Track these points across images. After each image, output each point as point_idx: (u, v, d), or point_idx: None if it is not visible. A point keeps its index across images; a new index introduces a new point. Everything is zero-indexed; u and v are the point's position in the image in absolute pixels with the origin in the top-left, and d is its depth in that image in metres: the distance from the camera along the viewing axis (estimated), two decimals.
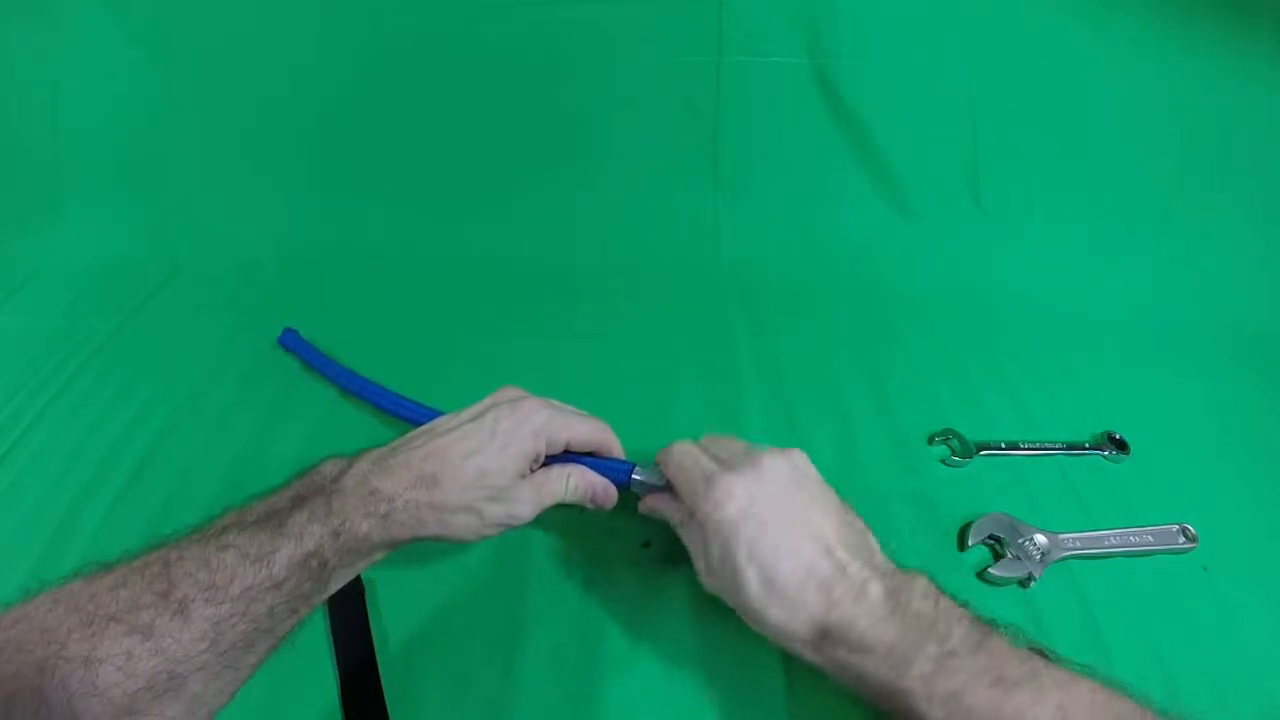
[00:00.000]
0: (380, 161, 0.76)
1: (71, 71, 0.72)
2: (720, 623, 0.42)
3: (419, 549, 0.45)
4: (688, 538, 0.39)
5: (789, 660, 0.40)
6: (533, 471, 0.40)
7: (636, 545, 0.46)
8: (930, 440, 0.54)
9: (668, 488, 0.40)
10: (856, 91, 0.69)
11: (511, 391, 0.42)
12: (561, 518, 0.48)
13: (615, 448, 0.43)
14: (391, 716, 0.38)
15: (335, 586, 0.36)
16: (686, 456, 0.39)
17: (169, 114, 0.74)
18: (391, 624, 0.42)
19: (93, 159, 0.76)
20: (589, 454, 0.42)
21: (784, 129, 0.72)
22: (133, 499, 0.50)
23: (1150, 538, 0.47)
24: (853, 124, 0.71)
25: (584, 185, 0.76)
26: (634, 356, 0.61)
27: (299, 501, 0.35)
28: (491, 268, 0.72)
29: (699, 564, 0.37)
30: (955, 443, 0.53)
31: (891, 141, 0.71)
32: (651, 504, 0.42)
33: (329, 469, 0.38)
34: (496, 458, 0.37)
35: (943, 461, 0.53)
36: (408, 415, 0.51)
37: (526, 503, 0.39)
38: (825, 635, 0.33)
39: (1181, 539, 0.47)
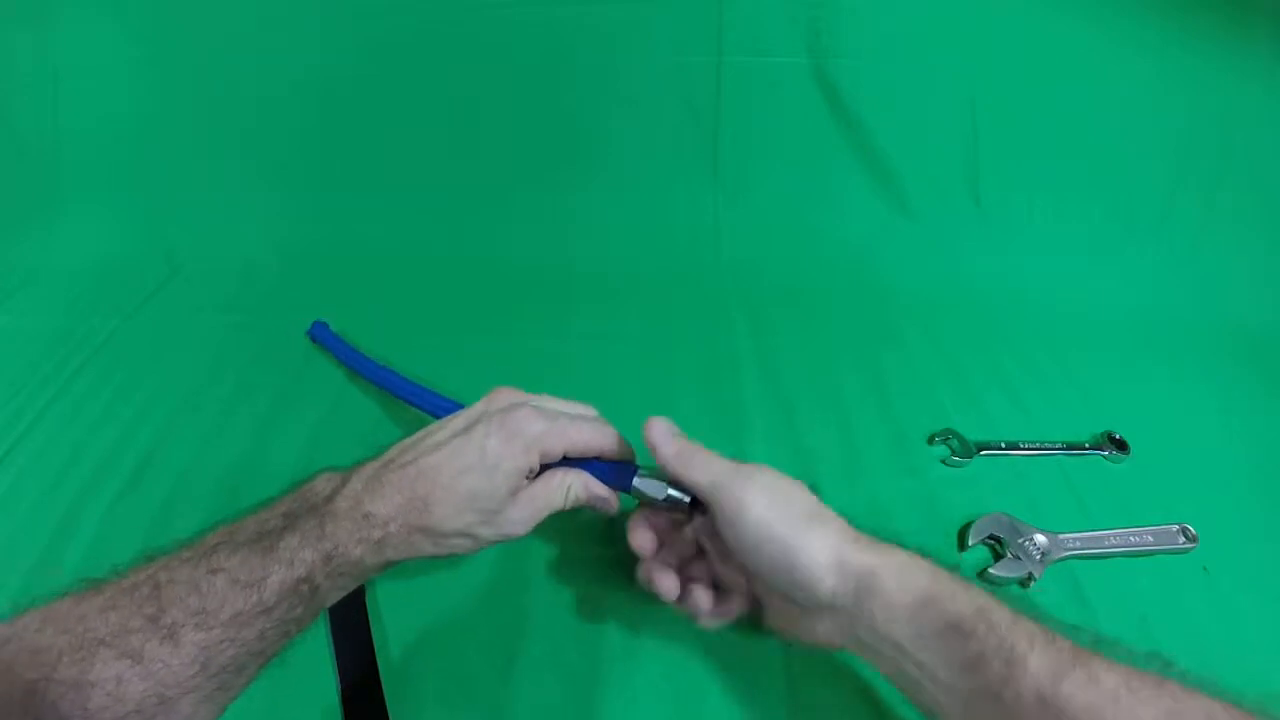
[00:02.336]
0: (380, 161, 0.76)
1: (71, 71, 0.72)
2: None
3: None
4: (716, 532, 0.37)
5: (789, 659, 0.41)
6: (529, 479, 0.38)
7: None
8: (930, 440, 0.54)
9: (668, 500, 0.39)
10: (856, 91, 0.69)
11: (505, 396, 0.39)
12: (561, 518, 0.48)
13: (620, 449, 0.40)
14: (392, 718, 0.38)
15: (328, 605, 0.35)
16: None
17: (169, 113, 0.74)
18: (391, 625, 0.42)
19: (92, 158, 0.76)
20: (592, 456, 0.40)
21: (784, 129, 0.72)
22: (133, 499, 0.50)
23: (1150, 538, 0.47)
24: (853, 124, 0.71)
25: (584, 185, 0.76)
26: (634, 356, 0.61)
27: (291, 521, 0.34)
28: (491, 268, 0.72)
29: (737, 534, 0.35)
30: (955, 443, 0.53)
31: (891, 141, 0.71)
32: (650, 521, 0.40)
33: (321, 486, 0.37)
34: (487, 479, 0.35)
35: (943, 461, 0.53)
36: (436, 411, 0.49)
37: (520, 522, 0.37)
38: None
39: (1181, 539, 0.47)
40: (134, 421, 0.56)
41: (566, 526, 0.47)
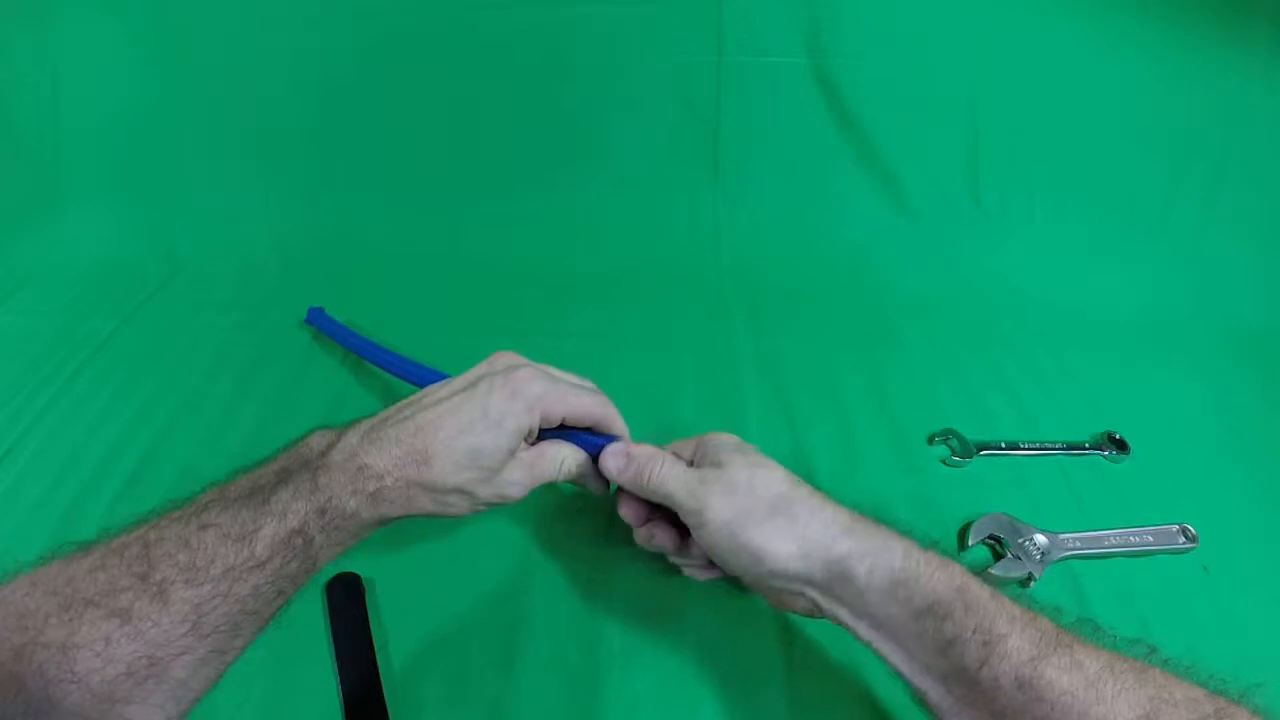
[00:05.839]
0: (380, 161, 0.76)
1: (71, 71, 0.72)
2: (720, 623, 0.42)
3: (419, 549, 0.45)
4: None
5: (789, 660, 0.41)
6: (527, 443, 0.38)
7: (636, 545, 0.46)
8: (930, 440, 0.54)
9: None
10: (856, 91, 0.69)
11: (506, 358, 0.39)
12: (563, 519, 0.48)
13: (615, 422, 0.40)
14: (392, 717, 0.38)
15: (322, 565, 0.34)
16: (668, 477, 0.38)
17: (169, 114, 0.74)
18: (391, 624, 0.42)
19: (93, 158, 0.76)
20: (586, 427, 0.40)
21: (784, 129, 0.72)
22: (133, 499, 0.50)
23: (1150, 538, 0.47)
24: (853, 124, 0.71)
25: (584, 185, 0.76)
26: (634, 356, 0.61)
27: (284, 476, 0.33)
28: (491, 268, 0.72)
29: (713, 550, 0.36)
30: (955, 443, 0.53)
31: (891, 141, 0.71)
32: (648, 535, 0.40)
33: (316, 442, 0.36)
34: (490, 435, 0.35)
35: (943, 461, 0.53)
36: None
37: (517, 484, 0.37)
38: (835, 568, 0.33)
39: (1181, 539, 0.47)
40: (134, 421, 0.56)
41: (567, 527, 0.47)
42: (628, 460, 0.39)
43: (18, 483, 0.51)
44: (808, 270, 0.72)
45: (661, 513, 0.40)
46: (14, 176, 0.75)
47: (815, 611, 0.35)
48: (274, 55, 0.71)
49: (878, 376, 0.60)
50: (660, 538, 0.40)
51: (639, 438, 0.42)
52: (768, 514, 0.34)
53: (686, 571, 0.42)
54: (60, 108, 0.73)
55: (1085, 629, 0.30)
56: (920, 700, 0.31)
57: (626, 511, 0.41)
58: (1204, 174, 0.68)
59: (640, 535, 0.41)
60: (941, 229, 0.73)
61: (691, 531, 0.37)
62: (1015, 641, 0.28)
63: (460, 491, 0.36)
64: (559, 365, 0.41)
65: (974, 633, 0.29)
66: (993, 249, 0.72)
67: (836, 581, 0.33)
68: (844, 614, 0.33)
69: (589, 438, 0.40)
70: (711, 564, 0.39)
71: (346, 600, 0.42)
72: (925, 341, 0.64)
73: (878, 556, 0.32)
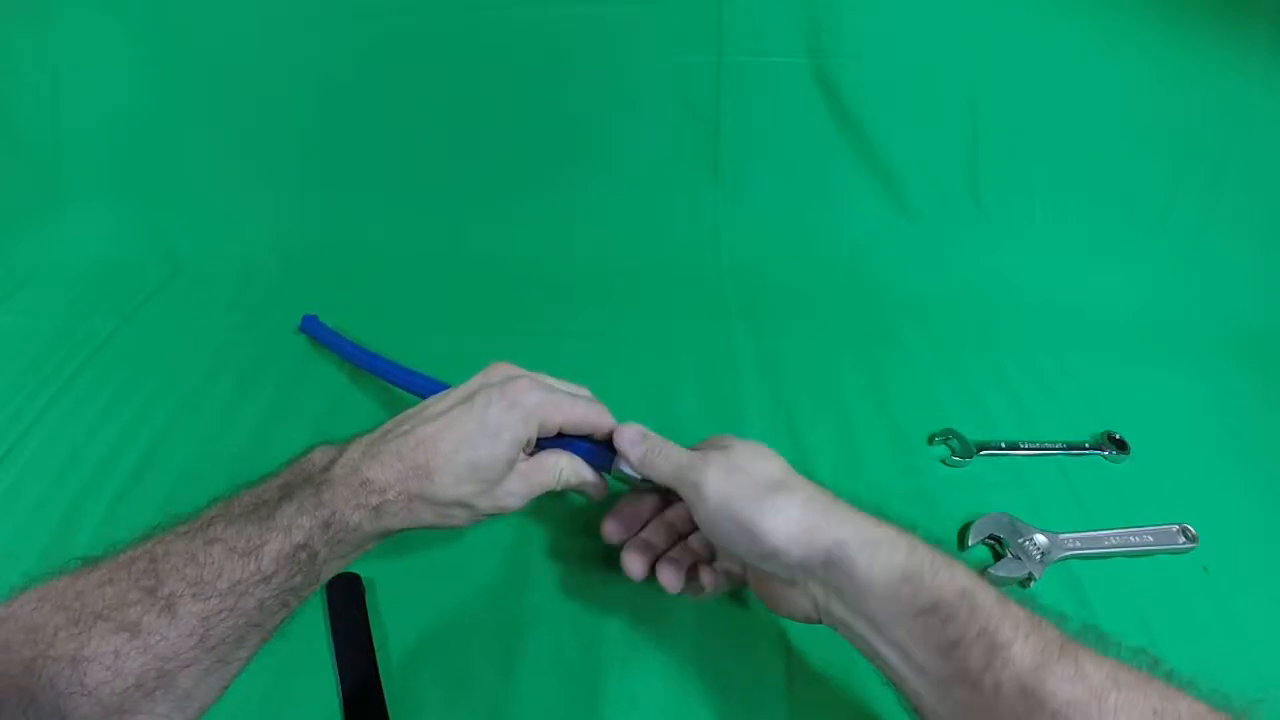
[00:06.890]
0: (380, 161, 0.76)
1: (71, 71, 0.72)
2: (720, 623, 0.42)
3: (418, 549, 0.46)
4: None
5: (789, 661, 0.41)
6: (525, 453, 0.38)
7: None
8: (930, 440, 0.54)
9: (647, 481, 0.39)
10: (856, 91, 0.69)
11: (502, 369, 0.40)
12: (563, 520, 0.48)
13: (611, 430, 0.40)
14: (392, 717, 0.38)
15: (326, 577, 0.35)
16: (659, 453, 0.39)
17: (169, 114, 0.74)
18: (391, 624, 0.42)
19: (93, 158, 0.76)
20: (583, 435, 0.41)
21: (784, 129, 0.72)
22: (133, 499, 0.50)
23: (1150, 538, 0.47)
24: (853, 124, 0.71)
25: (584, 185, 0.76)
26: (634, 356, 0.61)
27: (287, 492, 0.34)
28: (491, 267, 0.72)
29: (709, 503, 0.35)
30: (955, 443, 0.53)
31: (891, 141, 0.71)
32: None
33: (319, 457, 0.37)
34: (488, 448, 0.36)
35: (943, 461, 0.53)
36: (431, 394, 0.49)
37: (515, 495, 0.38)
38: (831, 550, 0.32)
39: (1181, 539, 0.47)
40: (134, 421, 0.56)
41: (567, 527, 0.47)
42: (641, 438, 0.39)
43: (18, 483, 0.51)
44: (808, 270, 0.72)
45: (657, 532, 0.41)
46: (14, 176, 0.75)
47: (813, 614, 0.35)
48: (274, 55, 0.71)
49: (878, 376, 0.60)
50: (629, 565, 0.40)
51: None
52: (766, 491, 0.34)
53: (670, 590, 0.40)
54: (60, 108, 0.73)
55: (1090, 637, 0.29)
56: (913, 709, 0.31)
57: (607, 529, 0.41)
58: (1204, 174, 0.68)
59: (624, 558, 0.40)
60: (941, 229, 0.73)
61: (693, 515, 0.36)
62: (1020, 648, 0.28)
63: (461, 504, 0.36)
64: (559, 365, 0.41)
65: (978, 636, 0.28)
66: (993, 249, 0.72)
67: (836, 572, 0.32)
68: (842, 610, 0.32)
69: (586, 446, 0.40)
70: (705, 578, 0.39)
71: (346, 600, 0.42)
72: (925, 341, 0.64)
73: (880, 549, 0.31)
